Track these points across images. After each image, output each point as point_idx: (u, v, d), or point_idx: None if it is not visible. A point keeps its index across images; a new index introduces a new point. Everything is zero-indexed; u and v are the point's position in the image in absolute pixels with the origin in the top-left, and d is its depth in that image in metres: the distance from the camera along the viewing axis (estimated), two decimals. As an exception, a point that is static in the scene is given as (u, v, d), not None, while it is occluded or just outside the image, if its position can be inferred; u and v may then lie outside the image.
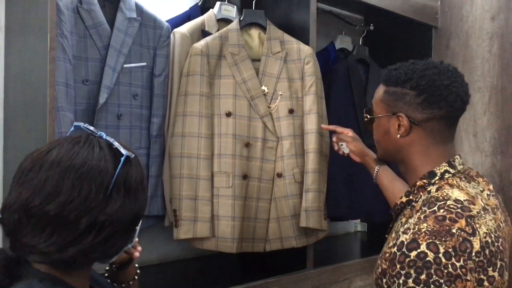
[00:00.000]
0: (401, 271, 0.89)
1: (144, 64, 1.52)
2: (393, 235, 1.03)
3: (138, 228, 0.87)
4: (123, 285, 1.05)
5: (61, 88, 1.24)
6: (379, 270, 1.01)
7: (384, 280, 0.98)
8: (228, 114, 1.61)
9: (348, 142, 1.52)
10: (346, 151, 1.52)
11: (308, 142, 1.68)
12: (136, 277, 1.08)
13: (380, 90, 1.10)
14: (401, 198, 1.08)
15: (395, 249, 0.92)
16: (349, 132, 1.53)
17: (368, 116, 1.15)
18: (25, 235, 0.76)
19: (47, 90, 1.15)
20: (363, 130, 2.03)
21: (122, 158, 0.79)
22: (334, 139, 1.57)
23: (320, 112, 1.72)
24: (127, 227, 0.82)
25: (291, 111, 1.68)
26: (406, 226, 0.95)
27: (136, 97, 1.50)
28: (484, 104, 2.12)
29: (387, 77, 1.08)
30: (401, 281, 0.89)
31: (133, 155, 0.82)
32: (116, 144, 0.81)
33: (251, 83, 1.64)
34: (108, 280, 1.02)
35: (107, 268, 1.05)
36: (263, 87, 1.66)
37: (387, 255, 0.97)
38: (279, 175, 1.67)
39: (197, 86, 1.56)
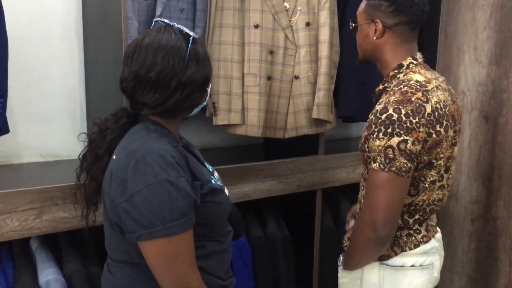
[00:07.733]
0: (375, 129, 1.26)
1: (189, -17, 1.88)
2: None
3: (208, 89, 1.16)
4: None
5: (129, 1, 1.63)
6: (362, 139, 1.41)
7: (366, 145, 1.38)
8: (256, 26, 1.96)
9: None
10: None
11: (322, 50, 2.03)
12: None
13: (363, 3, 1.42)
14: (378, 87, 1.45)
15: (371, 116, 1.30)
16: None
17: (353, 24, 1.45)
18: (139, 96, 1.09)
19: (121, 2, 1.55)
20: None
21: (191, 38, 1.10)
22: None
23: (332, 25, 2.04)
24: (201, 86, 1.12)
25: (308, 24, 2.01)
26: (381, 100, 1.34)
27: (183, 11, 1.88)
28: (485, 20, 2.37)
29: None
30: (375, 136, 1.26)
31: (197, 36, 1.11)
32: (185, 29, 1.12)
33: (275, 0, 1.97)
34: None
35: None
36: (285, 4, 1.99)
37: (367, 123, 1.36)
38: (297, 77, 2.05)
39: (231, 2, 1.91)
